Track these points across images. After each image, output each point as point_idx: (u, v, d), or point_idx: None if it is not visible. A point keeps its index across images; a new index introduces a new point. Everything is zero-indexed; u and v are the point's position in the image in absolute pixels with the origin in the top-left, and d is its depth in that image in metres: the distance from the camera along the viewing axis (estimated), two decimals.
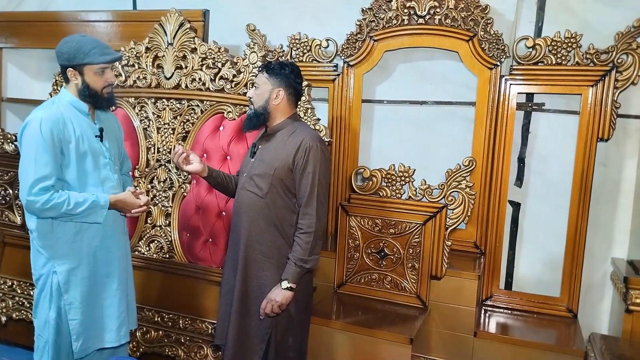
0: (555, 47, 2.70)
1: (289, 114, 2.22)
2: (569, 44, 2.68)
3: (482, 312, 2.84)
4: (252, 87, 2.24)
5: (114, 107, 2.27)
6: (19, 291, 3.09)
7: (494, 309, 2.87)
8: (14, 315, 3.09)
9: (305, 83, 2.61)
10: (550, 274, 2.89)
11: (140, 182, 2.90)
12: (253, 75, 2.70)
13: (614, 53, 2.62)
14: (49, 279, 2.12)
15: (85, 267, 2.14)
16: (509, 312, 2.85)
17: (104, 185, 2.15)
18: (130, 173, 2.54)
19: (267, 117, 2.19)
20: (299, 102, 2.30)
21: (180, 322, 2.76)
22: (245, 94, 2.70)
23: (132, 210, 2.18)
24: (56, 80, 3.05)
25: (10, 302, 3.10)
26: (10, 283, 3.11)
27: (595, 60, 2.65)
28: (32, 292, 3.02)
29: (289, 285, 2.12)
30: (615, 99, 2.64)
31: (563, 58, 2.70)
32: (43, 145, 2.00)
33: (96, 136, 2.16)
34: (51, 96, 3.00)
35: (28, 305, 3.05)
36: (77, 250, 2.12)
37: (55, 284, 2.11)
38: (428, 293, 2.65)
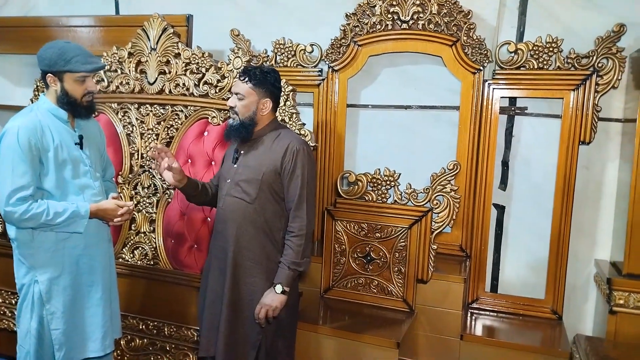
0: (536, 52, 2.73)
1: (271, 119, 2.22)
2: (550, 49, 2.71)
3: (469, 315, 2.85)
4: (233, 95, 2.18)
5: (95, 114, 2.24)
6: (0, 300, 3.03)
7: (480, 312, 2.88)
8: None
9: (290, 88, 2.62)
10: (535, 277, 2.91)
11: (123, 188, 2.87)
12: (235, 82, 2.68)
13: (595, 57, 2.66)
14: (31, 289, 2.08)
15: (68, 276, 2.11)
16: (495, 314, 2.86)
17: (84, 193, 2.12)
18: (114, 179, 2.51)
19: (254, 127, 2.17)
20: (278, 106, 2.30)
21: (165, 329, 2.73)
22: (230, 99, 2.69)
23: (114, 219, 2.15)
24: (37, 86, 3.02)
25: None
26: None
27: (576, 64, 2.69)
28: (13, 301, 2.97)
29: (283, 289, 2.12)
30: (597, 102, 2.68)
31: (545, 62, 2.73)
32: (20, 155, 1.97)
33: (76, 144, 2.13)
34: (32, 102, 2.96)
35: (10, 315, 2.99)
36: (58, 259, 2.09)
37: (37, 293, 2.07)
38: (414, 297, 2.66)
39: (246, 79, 2.14)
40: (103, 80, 2.94)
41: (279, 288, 2.12)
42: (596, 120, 2.69)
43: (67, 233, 2.08)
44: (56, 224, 2.01)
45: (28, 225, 2.00)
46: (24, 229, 2.04)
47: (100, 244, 2.20)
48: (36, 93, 3.01)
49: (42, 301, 2.08)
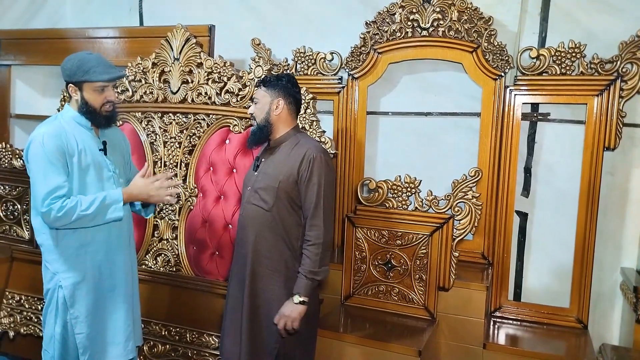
0: (559, 57, 2.70)
1: (291, 126, 2.23)
2: (573, 54, 2.68)
3: (491, 323, 2.81)
4: (252, 103, 2.26)
5: (118, 123, 2.27)
6: (27, 306, 3.10)
7: (503, 320, 2.84)
8: (22, 330, 3.09)
9: (310, 96, 2.64)
10: (559, 285, 2.86)
11: None
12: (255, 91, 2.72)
13: (619, 62, 2.62)
14: (55, 293, 2.12)
15: (90, 281, 2.14)
16: (518, 323, 2.82)
17: None
18: None
19: (270, 129, 2.20)
20: (299, 113, 2.32)
21: (187, 335, 2.75)
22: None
23: (158, 191, 2.11)
24: (64, 96, 3.09)
25: (18, 317, 3.11)
26: (18, 298, 3.12)
27: (599, 69, 2.65)
28: (40, 307, 3.03)
29: (301, 299, 2.11)
30: (621, 108, 2.64)
31: (567, 68, 2.70)
32: (50, 159, 2.01)
33: (100, 150, 2.17)
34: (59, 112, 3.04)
35: (36, 320, 3.06)
36: (80, 264, 2.12)
37: (61, 298, 2.11)
38: (436, 304, 2.63)
39: (260, 84, 2.22)
40: (127, 90, 3.00)
41: (296, 298, 2.12)
42: (621, 125, 2.65)
43: (90, 237, 2.10)
44: (91, 213, 2.01)
45: (64, 223, 2.01)
46: (49, 234, 2.08)
47: (121, 249, 2.22)
48: (63, 103, 3.08)
49: (66, 306, 2.11)
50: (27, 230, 3.12)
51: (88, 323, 2.13)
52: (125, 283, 2.22)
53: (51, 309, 2.15)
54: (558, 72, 2.71)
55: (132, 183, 2.15)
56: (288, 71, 3.18)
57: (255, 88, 2.26)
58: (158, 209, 2.88)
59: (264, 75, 2.61)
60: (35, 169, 2.04)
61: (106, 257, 2.17)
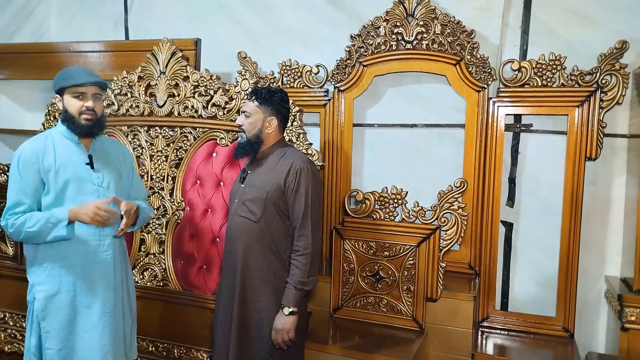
0: (540, 70, 2.76)
1: (278, 138, 2.26)
2: (554, 66, 2.73)
3: (479, 333, 2.83)
4: (241, 114, 2.26)
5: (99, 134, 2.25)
6: (11, 323, 3.05)
7: (490, 330, 2.86)
8: (6, 348, 3.04)
9: (296, 108, 2.65)
10: (546, 294, 2.89)
11: None
12: (244, 102, 2.73)
13: (598, 74, 2.68)
14: (32, 305, 2.14)
15: (65, 296, 2.11)
16: (506, 333, 2.83)
17: None
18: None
19: (260, 145, 2.22)
20: (286, 126, 2.34)
21: (175, 351, 2.73)
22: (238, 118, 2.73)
23: (93, 216, 2.06)
24: (48, 111, 3.07)
25: (2, 335, 3.05)
26: (2, 315, 3.07)
27: (579, 81, 2.71)
28: (24, 324, 2.98)
29: (291, 310, 2.13)
30: (601, 118, 2.69)
31: (548, 80, 2.75)
32: (20, 173, 2.07)
33: (87, 164, 2.16)
34: (44, 127, 3.02)
35: (20, 338, 3.00)
36: (55, 278, 2.11)
37: (35, 310, 2.11)
38: (424, 315, 2.64)
39: (253, 97, 2.21)
40: (113, 103, 3.00)
41: (286, 310, 2.13)
42: (602, 136, 2.70)
43: (66, 251, 2.10)
44: (37, 230, 2.03)
45: (19, 238, 2.09)
46: (29, 246, 2.13)
47: (101, 266, 2.16)
48: (48, 117, 3.06)
49: (39, 319, 2.11)
50: (11, 247, 3.08)
51: (59, 339, 2.10)
52: (104, 301, 2.17)
53: (29, 320, 2.15)
54: (539, 84, 2.76)
55: (81, 205, 2.10)
56: (274, 84, 3.20)
57: (247, 100, 2.24)
58: (145, 224, 2.86)
59: (256, 87, 2.60)
60: (9, 182, 2.11)
61: (83, 272, 2.14)
